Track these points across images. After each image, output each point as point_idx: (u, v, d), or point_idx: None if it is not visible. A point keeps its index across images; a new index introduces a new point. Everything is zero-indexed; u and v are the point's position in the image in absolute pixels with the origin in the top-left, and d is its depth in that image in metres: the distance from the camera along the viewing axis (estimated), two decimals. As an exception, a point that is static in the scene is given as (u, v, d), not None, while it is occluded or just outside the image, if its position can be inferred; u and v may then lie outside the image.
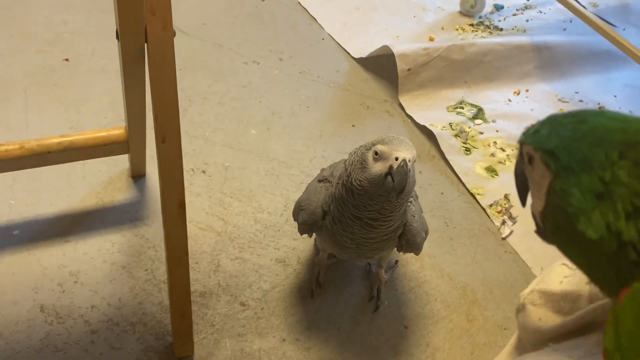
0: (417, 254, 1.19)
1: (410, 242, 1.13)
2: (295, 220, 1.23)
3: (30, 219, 1.36)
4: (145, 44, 0.86)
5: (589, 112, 0.56)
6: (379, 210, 1.02)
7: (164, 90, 0.88)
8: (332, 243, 1.16)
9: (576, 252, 0.54)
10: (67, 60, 1.77)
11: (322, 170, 1.26)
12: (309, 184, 1.25)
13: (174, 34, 0.86)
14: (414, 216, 1.12)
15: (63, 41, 1.83)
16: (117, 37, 0.99)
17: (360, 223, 1.05)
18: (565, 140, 0.53)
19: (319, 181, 1.19)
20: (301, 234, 1.21)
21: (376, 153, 0.97)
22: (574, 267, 0.60)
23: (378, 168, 0.97)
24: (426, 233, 1.20)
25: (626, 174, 0.48)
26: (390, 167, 0.95)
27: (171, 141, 0.92)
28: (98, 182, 1.46)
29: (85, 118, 1.60)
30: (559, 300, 0.72)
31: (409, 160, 0.94)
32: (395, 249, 1.17)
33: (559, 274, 0.75)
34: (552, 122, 0.57)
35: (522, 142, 0.60)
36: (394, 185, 0.95)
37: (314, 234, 1.23)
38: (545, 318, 0.73)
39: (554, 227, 0.55)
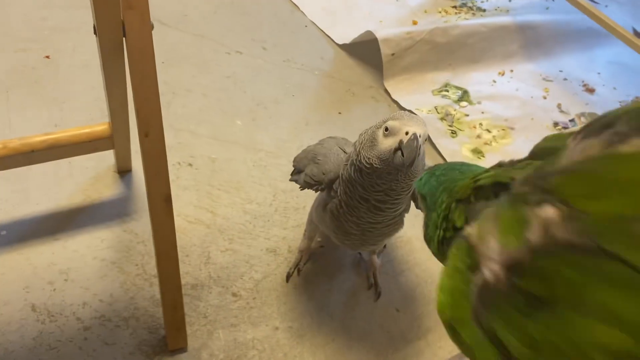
0: None
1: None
2: (295, 166, 1.20)
3: (18, 219, 1.35)
4: (124, 39, 0.86)
5: (454, 165, 0.82)
6: (386, 192, 1.00)
7: (144, 84, 0.88)
8: (335, 229, 1.13)
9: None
10: (47, 57, 1.75)
11: (340, 139, 1.22)
12: (323, 139, 1.21)
13: (152, 27, 0.85)
14: None
15: (43, 38, 1.81)
16: (95, 33, 0.98)
17: (367, 206, 1.03)
18: (431, 189, 0.78)
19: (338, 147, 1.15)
20: (291, 179, 1.21)
21: (386, 129, 0.95)
22: None
23: (388, 143, 0.94)
24: None
25: (442, 209, 0.74)
26: (400, 141, 0.92)
27: (154, 135, 0.92)
28: (85, 179, 1.45)
29: (68, 115, 1.59)
30: None
31: (420, 135, 0.92)
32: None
33: None
34: (429, 173, 0.83)
35: (416, 186, 0.88)
36: (404, 160, 0.92)
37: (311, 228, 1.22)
38: None
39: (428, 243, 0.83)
